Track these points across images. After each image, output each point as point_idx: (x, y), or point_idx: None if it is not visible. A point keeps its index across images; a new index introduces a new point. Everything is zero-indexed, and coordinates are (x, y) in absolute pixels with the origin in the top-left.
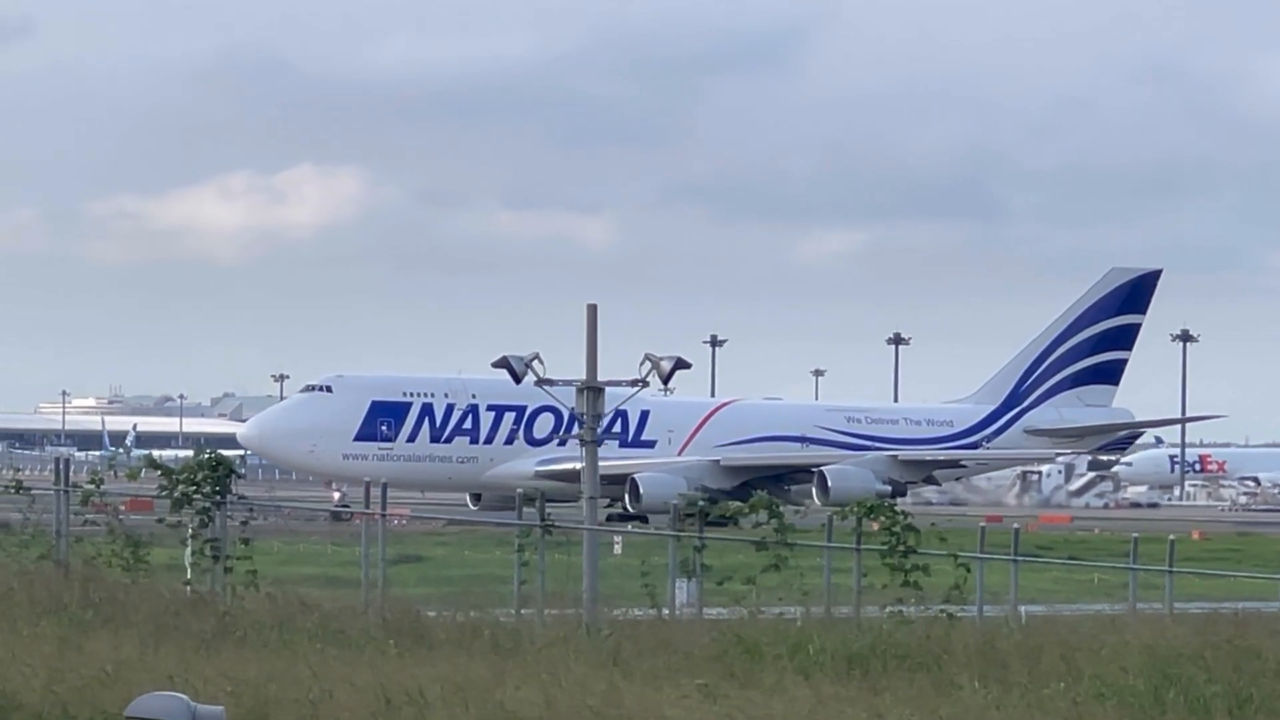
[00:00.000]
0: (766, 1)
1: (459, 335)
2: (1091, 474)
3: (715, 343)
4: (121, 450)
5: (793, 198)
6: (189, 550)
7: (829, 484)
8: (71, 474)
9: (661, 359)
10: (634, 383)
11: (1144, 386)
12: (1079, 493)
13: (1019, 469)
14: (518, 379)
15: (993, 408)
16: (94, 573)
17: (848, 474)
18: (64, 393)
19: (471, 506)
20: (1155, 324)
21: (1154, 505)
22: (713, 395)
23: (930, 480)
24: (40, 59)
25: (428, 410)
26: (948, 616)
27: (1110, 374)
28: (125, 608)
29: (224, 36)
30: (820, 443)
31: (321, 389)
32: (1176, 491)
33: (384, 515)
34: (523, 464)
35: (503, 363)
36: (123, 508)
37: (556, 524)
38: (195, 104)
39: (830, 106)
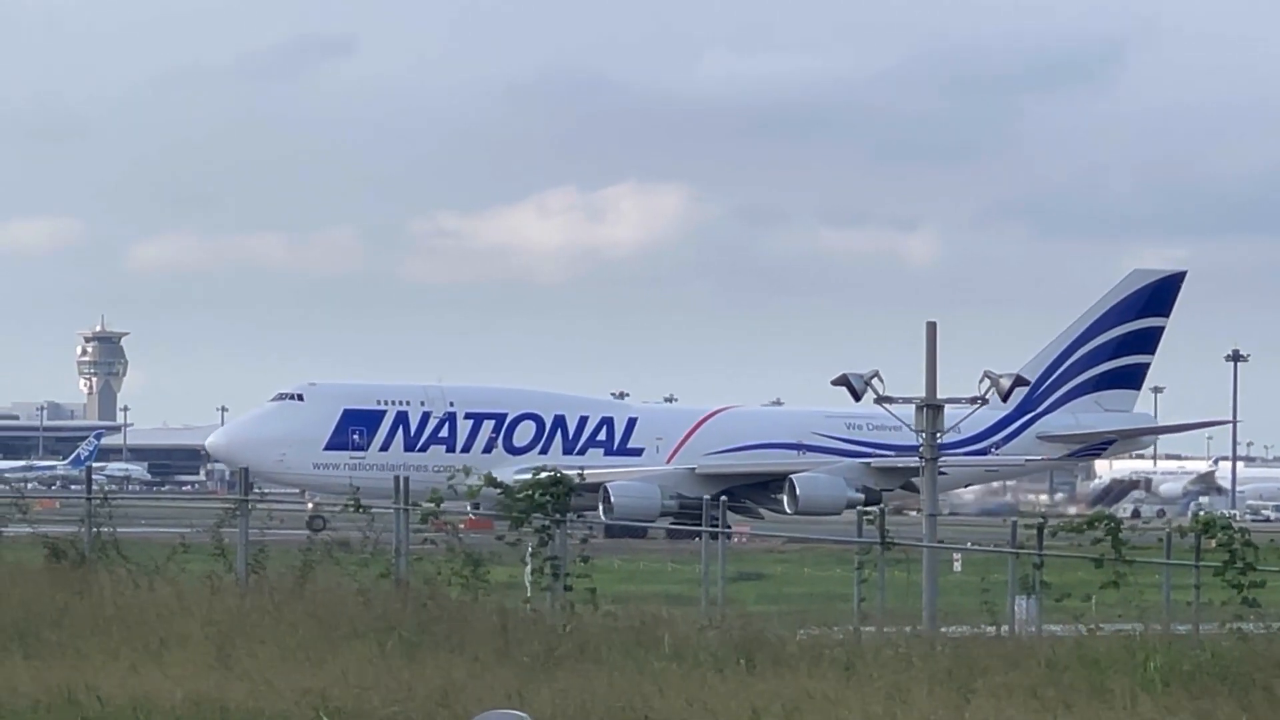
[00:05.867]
0: (1084, 18)
1: (780, 351)
2: None
3: None
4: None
5: (1112, 214)
6: (529, 568)
7: (798, 492)
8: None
9: (1000, 376)
10: (973, 400)
11: None
12: None
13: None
14: (857, 396)
15: (1005, 413)
16: (434, 591)
17: (817, 482)
18: None
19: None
20: None
21: None
22: None
23: (909, 487)
24: (362, 77)
25: (402, 418)
26: None
27: (1131, 378)
28: (464, 626)
29: (543, 54)
30: (816, 449)
31: (293, 397)
32: None
33: (724, 532)
34: (502, 473)
35: (842, 380)
36: (462, 526)
37: (896, 541)
38: (514, 121)
39: (1149, 122)
